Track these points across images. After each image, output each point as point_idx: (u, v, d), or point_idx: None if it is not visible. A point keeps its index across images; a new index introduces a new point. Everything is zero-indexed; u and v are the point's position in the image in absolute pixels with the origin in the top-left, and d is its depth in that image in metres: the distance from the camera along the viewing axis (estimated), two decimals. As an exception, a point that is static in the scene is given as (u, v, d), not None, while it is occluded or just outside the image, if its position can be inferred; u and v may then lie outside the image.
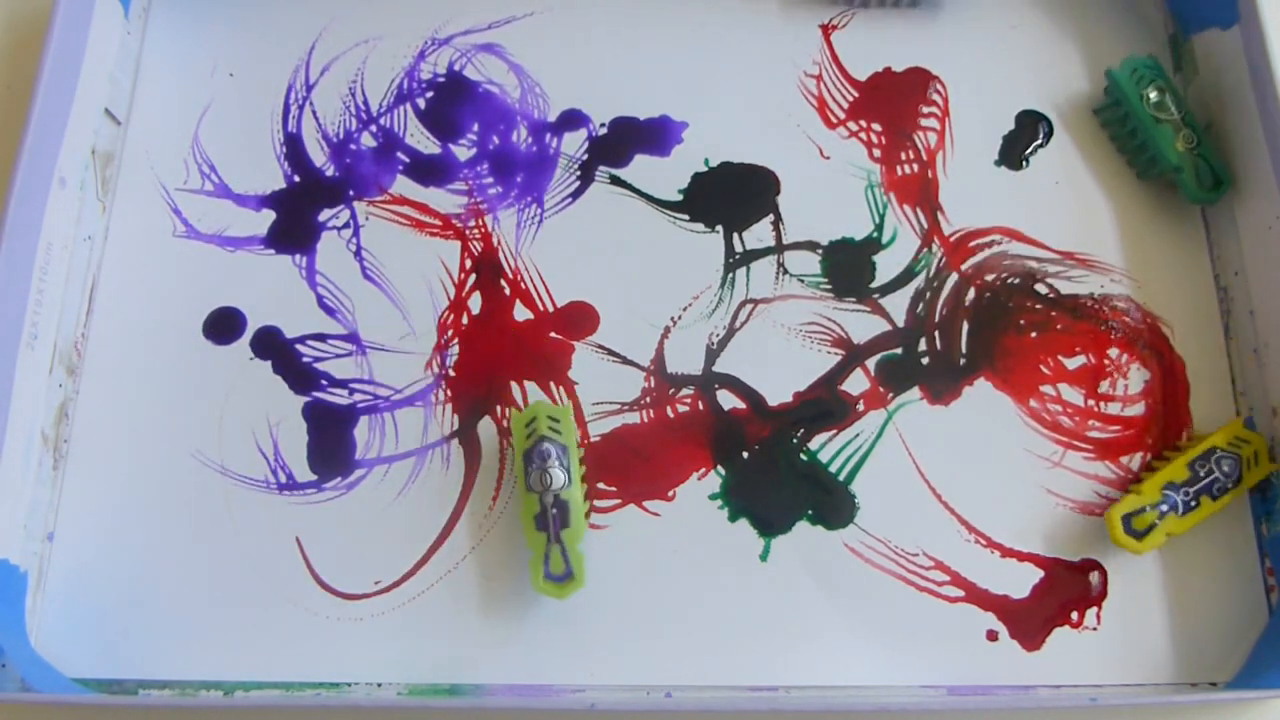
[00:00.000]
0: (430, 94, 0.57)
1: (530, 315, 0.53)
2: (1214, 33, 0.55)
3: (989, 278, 0.54)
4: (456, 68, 0.58)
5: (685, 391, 0.52)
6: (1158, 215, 0.56)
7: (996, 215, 0.55)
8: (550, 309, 0.53)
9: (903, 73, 0.58)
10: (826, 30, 0.59)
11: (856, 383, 0.52)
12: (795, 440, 0.51)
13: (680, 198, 0.55)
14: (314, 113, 0.57)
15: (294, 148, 0.56)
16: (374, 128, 0.57)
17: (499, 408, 0.52)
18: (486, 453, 0.51)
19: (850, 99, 0.58)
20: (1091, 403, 0.52)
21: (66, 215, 0.51)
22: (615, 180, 0.56)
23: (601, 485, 0.50)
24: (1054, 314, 0.54)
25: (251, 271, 0.54)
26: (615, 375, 0.52)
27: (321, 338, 0.53)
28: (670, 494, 0.50)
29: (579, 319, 0.53)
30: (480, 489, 0.50)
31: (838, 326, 0.53)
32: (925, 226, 0.55)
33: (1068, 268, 0.55)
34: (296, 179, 0.56)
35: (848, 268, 0.54)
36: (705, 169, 0.56)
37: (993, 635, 0.48)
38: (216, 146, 0.56)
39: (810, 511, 0.50)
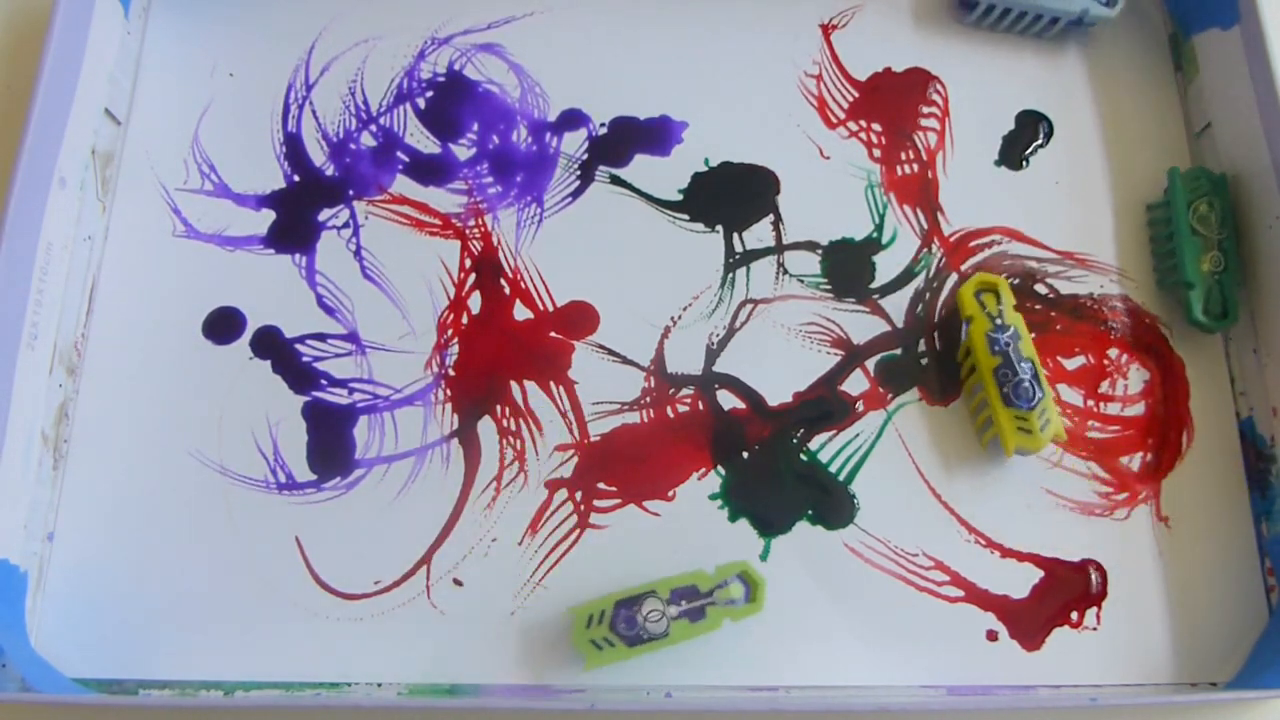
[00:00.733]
0: (430, 94, 0.57)
1: (530, 315, 0.53)
2: (1214, 33, 0.55)
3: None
4: (456, 67, 0.58)
5: (685, 391, 0.52)
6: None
7: (996, 215, 0.55)
8: (550, 309, 0.53)
9: (903, 73, 0.58)
10: (826, 30, 0.59)
11: (856, 383, 0.52)
12: (795, 440, 0.51)
13: (680, 197, 0.55)
14: (314, 112, 0.57)
15: (294, 147, 0.56)
16: (374, 127, 0.57)
17: (499, 407, 0.52)
18: (486, 452, 0.51)
19: (850, 99, 0.58)
20: (1091, 403, 0.52)
21: (66, 215, 0.51)
22: (615, 180, 0.56)
23: (601, 485, 0.50)
24: (1054, 314, 0.54)
25: (251, 271, 0.54)
26: (615, 375, 0.52)
27: (321, 337, 0.53)
28: (670, 494, 0.50)
29: (579, 319, 0.53)
30: (480, 489, 0.50)
31: (837, 327, 0.53)
32: (925, 227, 0.55)
33: (1068, 268, 0.55)
34: (296, 179, 0.56)
35: (848, 268, 0.54)
36: (705, 169, 0.56)
37: (993, 635, 0.48)
38: (216, 146, 0.56)
39: (810, 511, 0.50)
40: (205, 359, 0.52)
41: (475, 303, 0.53)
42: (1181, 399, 0.52)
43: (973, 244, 0.55)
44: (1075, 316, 0.54)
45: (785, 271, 0.54)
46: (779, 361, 0.53)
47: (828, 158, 0.56)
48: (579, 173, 0.56)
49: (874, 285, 0.54)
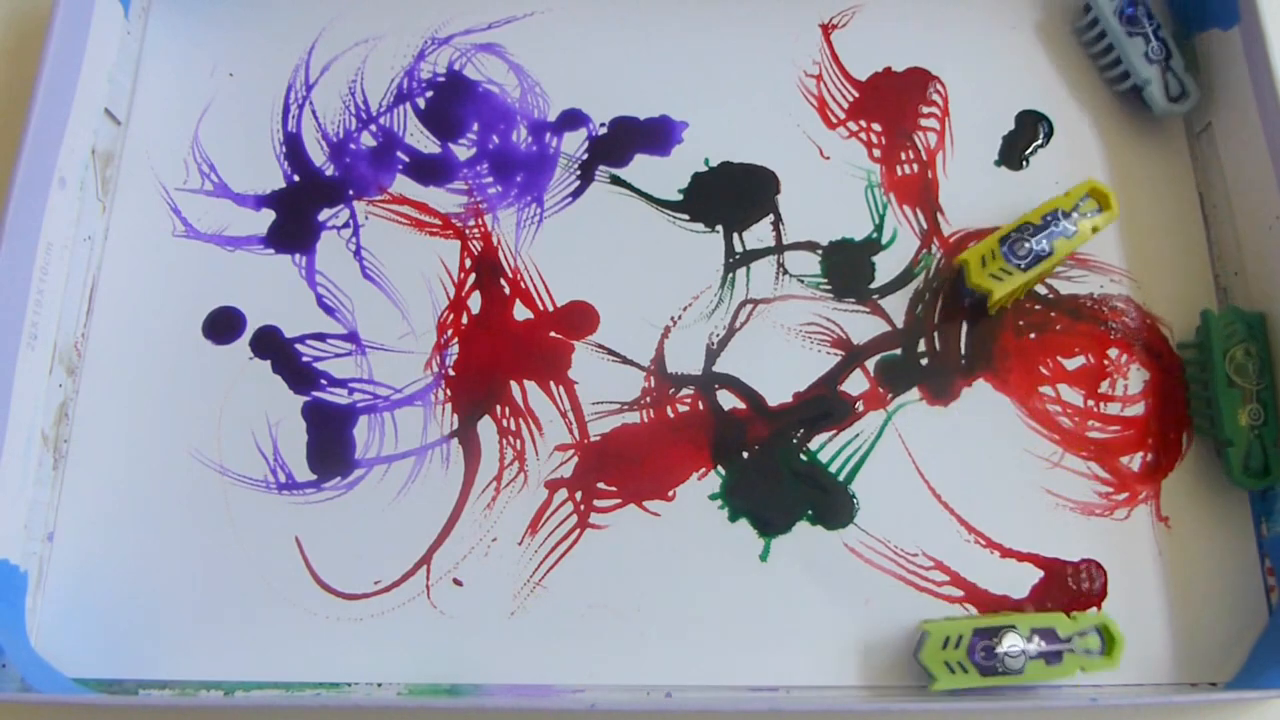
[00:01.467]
0: (430, 94, 0.57)
1: (530, 315, 0.53)
2: (1214, 33, 0.55)
3: (989, 278, 0.54)
4: (456, 67, 0.58)
5: (685, 391, 0.52)
6: (1157, 216, 0.56)
7: (996, 215, 0.55)
8: (550, 308, 0.53)
9: (903, 73, 0.58)
10: (826, 30, 0.59)
11: (856, 383, 0.52)
12: (795, 440, 0.51)
13: (680, 197, 0.55)
14: (314, 112, 0.57)
15: (294, 147, 0.56)
16: (374, 127, 0.57)
17: (499, 407, 0.52)
18: (486, 452, 0.51)
19: (850, 99, 0.58)
20: (1091, 403, 0.52)
21: (66, 215, 0.51)
22: (615, 180, 0.56)
23: (601, 485, 0.50)
24: (1053, 314, 0.54)
25: (251, 271, 0.54)
26: (615, 375, 0.52)
27: (321, 337, 0.53)
28: (670, 494, 0.50)
29: (579, 319, 0.53)
30: (480, 489, 0.50)
31: (837, 327, 0.53)
32: (925, 227, 0.55)
33: (1068, 268, 0.55)
34: (296, 179, 0.56)
35: (847, 268, 0.54)
36: (705, 169, 0.56)
37: (992, 635, 0.48)
38: (216, 146, 0.56)
39: (810, 512, 0.50)
40: (205, 359, 0.52)
41: (475, 303, 0.53)
42: (1182, 399, 0.52)
43: (973, 244, 0.55)
44: (1075, 316, 0.54)
45: (785, 271, 0.54)
46: (779, 361, 0.53)
47: (828, 158, 0.56)
48: (579, 173, 0.56)
49: (874, 285, 0.54)
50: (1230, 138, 0.54)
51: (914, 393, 0.52)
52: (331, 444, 0.51)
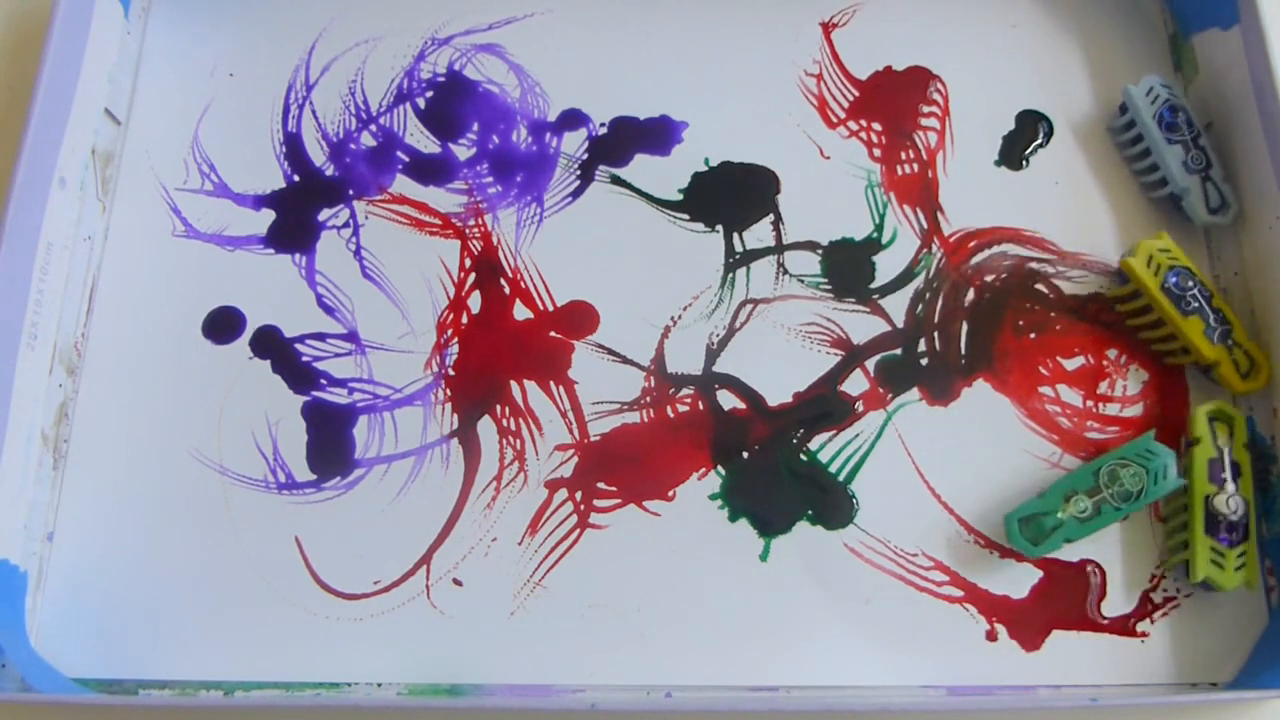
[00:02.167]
0: (430, 94, 0.57)
1: (530, 315, 0.53)
2: (1214, 33, 0.55)
3: (989, 278, 0.54)
4: (456, 68, 0.58)
5: (685, 391, 0.52)
6: (1157, 216, 0.55)
7: (996, 215, 0.55)
8: (550, 308, 0.53)
9: (903, 72, 0.58)
10: (827, 29, 0.59)
11: (856, 383, 0.52)
12: (795, 441, 0.51)
13: (680, 197, 0.55)
14: (314, 112, 0.57)
15: (294, 147, 0.56)
16: (374, 127, 0.57)
17: (499, 407, 0.52)
18: (486, 452, 0.51)
19: (851, 98, 0.58)
20: (1090, 404, 0.52)
21: (66, 215, 0.51)
22: (615, 180, 0.56)
23: (601, 485, 0.50)
24: (1053, 315, 0.54)
25: (251, 271, 0.54)
26: (615, 375, 0.52)
27: (321, 337, 0.53)
28: (670, 494, 0.50)
29: (579, 318, 0.53)
30: (480, 489, 0.50)
31: (837, 327, 0.53)
32: (925, 227, 0.55)
33: (1068, 268, 0.55)
34: (296, 178, 0.56)
35: (848, 268, 0.54)
36: (705, 169, 0.56)
37: (993, 635, 0.48)
38: (216, 146, 0.56)
39: (810, 512, 0.50)
40: (205, 359, 0.52)
41: (475, 302, 0.53)
42: (1180, 400, 0.52)
43: (972, 244, 0.55)
44: (1075, 316, 0.54)
45: (785, 271, 0.54)
46: (779, 361, 0.53)
47: (828, 157, 0.56)
48: (579, 173, 0.56)
49: (874, 285, 0.54)
50: (1230, 138, 0.54)
51: (914, 393, 0.52)
52: (331, 444, 0.51)
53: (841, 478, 0.51)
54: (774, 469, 0.51)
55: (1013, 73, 0.58)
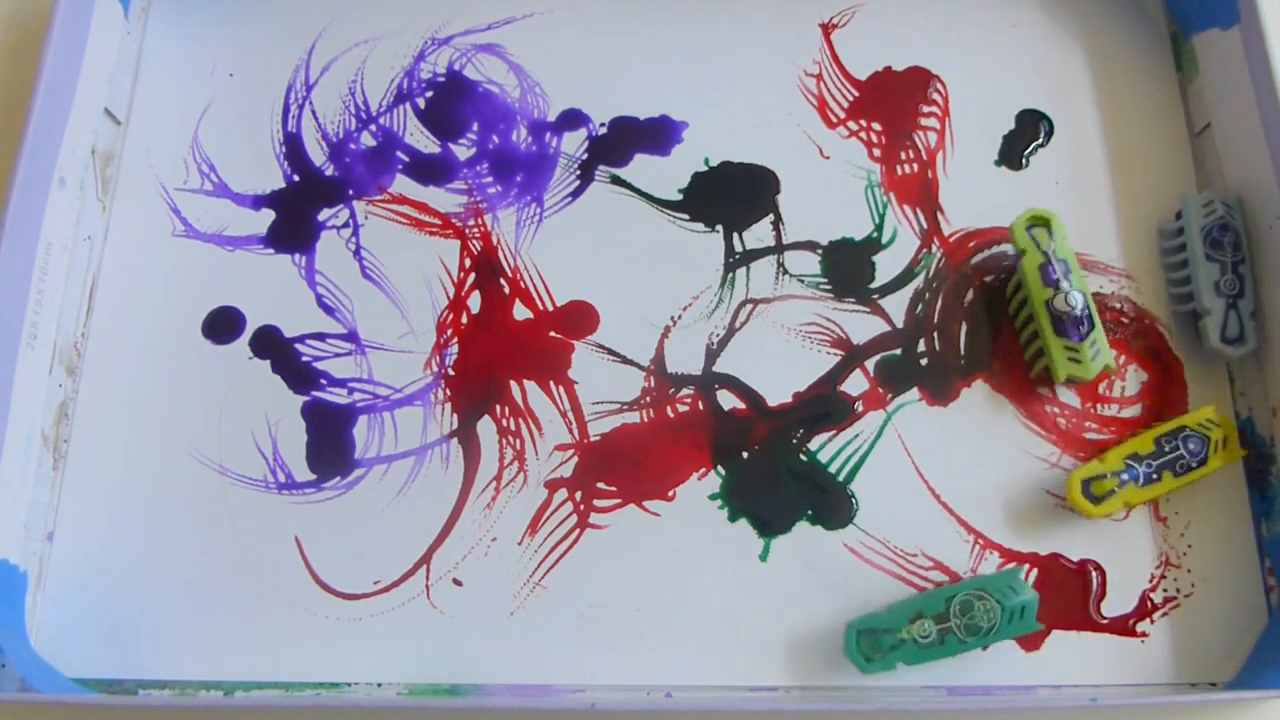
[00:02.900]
0: (430, 94, 0.57)
1: (530, 315, 0.53)
2: (1214, 33, 0.55)
3: (988, 278, 0.54)
4: (456, 68, 0.58)
5: (685, 391, 0.52)
6: (1156, 216, 0.55)
7: (996, 215, 0.55)
8: (550, 308, 0.53)
9: (903, 72, 0.58)
10: (827, 29, 0.59)
11: (856, 383, 0.52)
12: (795, 440, 0.51)
13: (680, 197, 0.55)
14: (314, 112, 0.57)
15: (294, 147, 0.56)
16: (374, 127, 0.57)
17: (498, 407, 0.52)
18: (486, 452, 0.51)
19: (850, 98, 0.58)
20: (1089, 404, 0.52)
21: (66, 215, 0.51)
22: (615, 180, 0.56)
23: (601, 485, 0.50)
24: (1054, 314, 0.54)
25: (251, 271, 0.54)
26: (615, 375, 0.52)
27: (320, 337, 0.53)
28: (670, 494, 0.50)
29: (579, 318, 0.53)
30: (480, 489, 0.50)
31: (837, 327, 0.53)
32: (925, 227, 0.55)
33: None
34: (296, 178, 0.56)
35: (847, 268, 0.54)
36: (705, 169, 0.56)
37: (992, 635, 0.48)
38: (216, 146, 0.56)
39: (810, 512, 0.50)
40: (205, 359, 0.52)
41: (475, 302, 0.53)
42: (1179, 401, 0.52)
43: (972, 244, 0.55)
44: (1075, 316, 0.54)
45: (785, 271, 0.54)
46: (779, 361, 0.53)
47: (828, 157, 0.56)
48: (579, 173, 0.56)
49: (874, 285, 0.54)
50: (1230, 138, 0.54)
51: (913, 393, 0.52)
52: (331, 444, 0.51)
53: (841, 478, 0.51)
54: (774, 469, 0.51)
55: (1013, 73, 0.58)
